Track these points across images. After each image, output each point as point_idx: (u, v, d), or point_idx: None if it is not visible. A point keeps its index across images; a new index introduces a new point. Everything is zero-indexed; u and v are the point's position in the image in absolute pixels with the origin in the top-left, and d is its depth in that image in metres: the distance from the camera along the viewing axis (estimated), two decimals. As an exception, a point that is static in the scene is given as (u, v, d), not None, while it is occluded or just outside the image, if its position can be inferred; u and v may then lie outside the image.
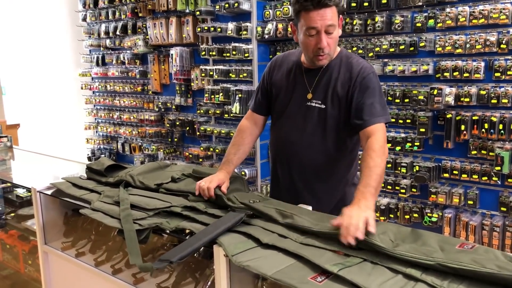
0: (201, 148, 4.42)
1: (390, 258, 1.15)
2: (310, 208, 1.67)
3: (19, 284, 2.83)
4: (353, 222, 1.23)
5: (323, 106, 1.72)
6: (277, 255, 1.22)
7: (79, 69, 6.06)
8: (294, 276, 1.09)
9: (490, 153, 2.82)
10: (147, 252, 1.80)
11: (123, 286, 1.68)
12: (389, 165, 3.32)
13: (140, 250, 1.36)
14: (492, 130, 2.77)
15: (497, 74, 2.76)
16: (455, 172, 3.01)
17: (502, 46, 2.74)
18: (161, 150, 5.10)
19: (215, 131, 4.25)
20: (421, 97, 3.02)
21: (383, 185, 3.34)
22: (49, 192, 1.99)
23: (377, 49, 3.28)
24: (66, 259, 1.97)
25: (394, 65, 3.18)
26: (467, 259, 1.05)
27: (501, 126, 2.74)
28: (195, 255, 1.58)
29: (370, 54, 3.32)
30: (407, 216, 3.28)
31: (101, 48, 5.72)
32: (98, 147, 6.08)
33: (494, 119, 2.76)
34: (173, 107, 4.91)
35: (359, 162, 1.62)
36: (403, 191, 3.24)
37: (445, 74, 2.94)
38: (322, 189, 1.83)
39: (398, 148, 3.24)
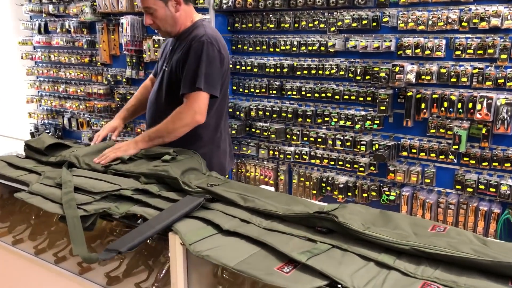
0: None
1: (360, 243, 1.09)
2: (272, 189, 1.58)
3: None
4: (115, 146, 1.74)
5: (167, 69, 1.97)
6: (239, 243, 1.13)
7: (19, 37, 5.58)
8: (258, 266, 1.00)
9: (448, 132, 2.85)
10: (95, 238, 1.66)
11: (67, 276, 1.54)
12: (348, 143, 3.31)
13: (86, 237, 1.22)
14: (451, 109, 2.80)
15: (458, 53, 2.77)
16: (413, 150, 3.03)
17: (463, 24, 2.74)
18: (112, 126, 4.82)
19: (170, 107, 4.06)
20: (382, 74, 2.99)
21: (341, 163, 3.34)
22: (-21, 173, 1.77)
23: (339, 23, 3.20)
24: (1, 247, 1.78)
25: (357, 40, 3.12)
26: (442, 243, 1.00)
27: (459, 105, 2.77)
28: (148, 241, 1.46)
29: (332, 29, 3.24)
30: (365, 195, 3.30)
31: (44, 15, 5.28)
32: (42, 122, 5.70)
33: (453, 97, 2.79)
34: (124, 80, 4.67)
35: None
36: (361, 169, 3.25)
37: (407, 51, 2.92)
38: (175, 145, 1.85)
39: (357, 126, 3.23)
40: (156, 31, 2.01)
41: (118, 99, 4.69)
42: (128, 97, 4.54)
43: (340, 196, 3.36)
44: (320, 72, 3.35)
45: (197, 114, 1.82)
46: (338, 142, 3.34)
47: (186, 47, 1.88)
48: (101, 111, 4.91)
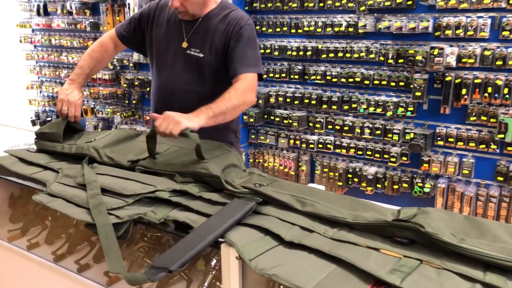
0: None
1: (453, 257, 0.93)
2: (323, 188, 1.42)
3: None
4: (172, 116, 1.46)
5: (201, 55, 1.80)
6: (308, 258, 0.97)
7: (16, 19, 5.37)
8: (342, 290, 0.85)
9: (491, 120, 2.69)
10: (121, 243, 1.50)
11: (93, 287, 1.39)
12: (377, 132, 3.14)
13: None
14: (496, 95, 2.62)
15: (505, 33, 2.58)
16: (450, 139, 2.87)
17: (511, 1, 2.55)
18: (118, 114, 4.67)
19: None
20: (419, 58, 2.81)
21: (369, 153, 3.18)
22: (-12, 169, 1.62)
23: (370, 2, 3.00)
24: (15, 252, 1.63)
25: (390, 21, 2.93)
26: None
27: (506, 90, 2.60)
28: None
29: (362, 8, 3.05)
30: (395, 186, 3.15)
31: (43, -5, 5.07)
32: (43, 109, 5.54)
33: (499, 82, 2.61)
34: (131, 64, 4.49)
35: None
36: (393, 159, 3.09)
37: (447, 32, 2.74)
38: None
39: (389, 113, 3.06)
40: (179, 14, 1.81)
41: (125, 85, 4.51)
42: (136, 83, 4.37)
43: (369, 188, 3.21)
44: (348, 55, 3.17)
45: (255, 94, 1.79)
46: (367, 131, 3.18)
47: (230, 29, 1.78)
48: (107, 98, 4.74)
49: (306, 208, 1.15)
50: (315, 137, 3.48)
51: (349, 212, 1.11)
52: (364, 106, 3.16)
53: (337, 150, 3.38)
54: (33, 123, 5.47)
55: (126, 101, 4.65)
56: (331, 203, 1.17)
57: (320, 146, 3.45)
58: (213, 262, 1.30)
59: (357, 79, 3.15)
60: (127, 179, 1.34)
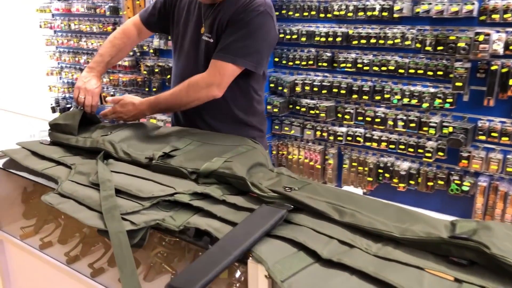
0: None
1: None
2: (360, 192, 1.29)
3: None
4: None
5: (211, 40, 1.67)
6: (349, 281, 0.85)
7: (36, 4, 5.33)
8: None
9: (542, 113, 2.48)
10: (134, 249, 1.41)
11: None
12: (412, 125, 2.96)
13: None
14: (549, 86, 2.41)
15: (560, 17, 2.36)
16: (493, 134, 2.67)
17: None
18: (138, 102, 4.58)
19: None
20: (461, 45, 2.61)
21: (403, 147, 3.01)
22: (-1, 163, 1.54)
23: (407, -17, 2.81)
24: (27, 251, 1.55)
25: (430, 4, 2.73)
26: None
27: (560, 81, 2.39)
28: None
29: (398, -10, 2.85)
30: (430, 183, 2.97)
31: (62, -22, 5.01)
32: (63, 96, 5.52)
33: (552, 72, 2.40)
34: (151, 51, 4.39)
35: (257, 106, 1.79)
36: (428, 154, 2.91)
37: (494, 16, 2.52)
38: (218, 127, 1.73)
39: (425, 105, 2.87)
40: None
41: (145, 72, 4.43)
42: (156, 70, 4.28)
43: (401, 185, 3.05)
44: (381, 41, 2.98)
45: (218, 88, 1.63)
46: (400, 123, 3.00)
47: (234, 12, 1.61)
48: (126, 85, 4.67)
49: (345, 218, 1.03)
50: (343, 129, 3.32)
51: (395, 225, 0.98)
52: (398, 97, 2.98)
53: (367, 143, 3.22)
54: (53, 109, 5.47)
55: (146, 89, 4.57)
56: (373, 213, 1.03)
57: (349, 138, 3.29)
58: (238, 273, 1.19)
59: (391, 68, 2.97)
60: (144, 178, 1.24)
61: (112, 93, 4.91)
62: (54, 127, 1.66)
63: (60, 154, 1.52)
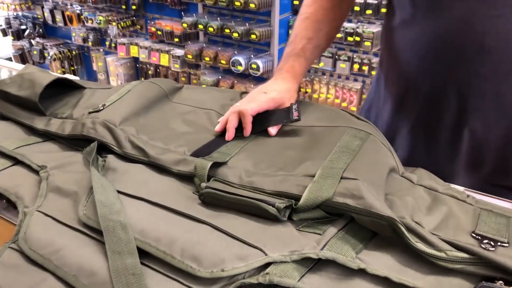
0: (184, 25, 3.22)
1: None
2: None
3: None
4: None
5: None
6: None
7: None
8: None
9: None
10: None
11: None
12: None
13: None
14: None
15: None
16: None
17: None
18: (114, 24, 3.89)
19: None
20: None
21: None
22: None
23: None
24: None
25: None
26: None
27: None
28: None
29: None
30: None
31: None
32: (15, 14, 4.75)
33: None
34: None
35: None
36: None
37: None
38: None
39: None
40: None
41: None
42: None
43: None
44: None
45: None
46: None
47: None
48: (97, 2, 3.91)
49: None
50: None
51: None
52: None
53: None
54: (4, 32, 4.70)
55: (123, 6, 3.84)
56: None
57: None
58: None
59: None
60: (191, 218, 0.67)
61: (79, 11, 4.16)
62: (4, 97, 1.05)
63: (18, 143, 0.93)
